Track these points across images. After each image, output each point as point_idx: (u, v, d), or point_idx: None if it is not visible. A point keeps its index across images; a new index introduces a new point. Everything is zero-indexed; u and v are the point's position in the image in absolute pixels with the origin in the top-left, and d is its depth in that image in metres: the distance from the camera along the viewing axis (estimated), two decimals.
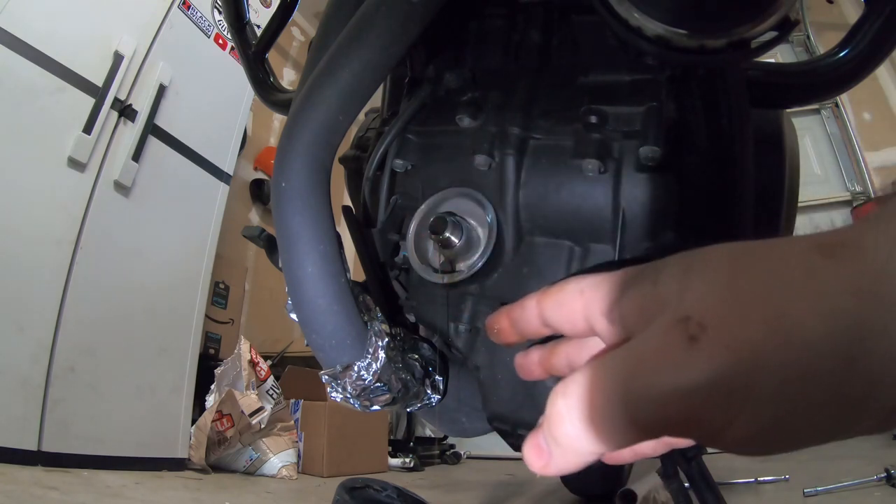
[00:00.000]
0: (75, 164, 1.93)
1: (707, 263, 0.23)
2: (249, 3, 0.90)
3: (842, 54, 0.56)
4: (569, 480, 1.82)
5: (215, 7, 2.48)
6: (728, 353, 0.20)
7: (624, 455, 0.33)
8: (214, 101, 2.51)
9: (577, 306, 0.29)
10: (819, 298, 0.20)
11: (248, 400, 2.20)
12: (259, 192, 3.69)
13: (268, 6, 2.59)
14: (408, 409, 0.59)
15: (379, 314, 0.55)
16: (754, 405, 0.20)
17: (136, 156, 2.11)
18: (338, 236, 0.52)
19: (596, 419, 0.22)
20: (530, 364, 0.37)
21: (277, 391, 2.36)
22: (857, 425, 0.21)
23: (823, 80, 0.59)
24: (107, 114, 2.01)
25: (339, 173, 0.69)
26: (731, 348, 0.20)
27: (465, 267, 0.58)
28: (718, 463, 1.92)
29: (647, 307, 0.25)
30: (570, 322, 0.30)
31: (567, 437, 0.23)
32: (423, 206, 0.62)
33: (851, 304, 0.20)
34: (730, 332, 0.21)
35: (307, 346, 0.52)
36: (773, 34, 0.46)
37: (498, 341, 0.35)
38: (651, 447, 0.31)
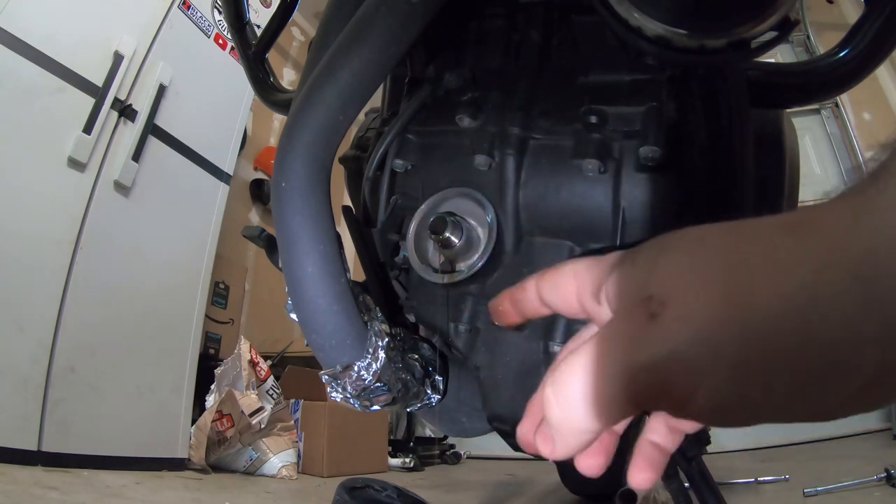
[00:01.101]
0: (75, 164, 1.93)
1: (678, 244, 0.24)
2: (249, 3, 0.90)
3: (842, 54, 0.56)
4: (569, 480, 1.82)
5: (215, 7, 2.48)
6: (685, 328, 0.21)
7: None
8: (214, 101, 2.51)
9: (571, 288, 0.31)
10: (778, 273, 0.20)
11: (248, 400, 2.20)
12: (259, 192, 3.69)
13: (268, 6, 2.59)
14: (408, 409, 0.60)
15: (379, 314, 0.55)
16: (715, 376, 0.21)
17: (136, 156, 2.11)
18: (338, 236, 0.52)
19: (577, 400, 0.24)
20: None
21: (277, 391, 2.36)
22: (820, 402, 0.21)
23: (823, 80, 0.59)
24: (107, 114, 2.01)
25: (339, 173, 0.69)
26: (689, 323, 0.21)
27: (465, 267, 0.58)
28: (718, 463, 1.92)
29: (625, 288, 0.26)
30: (565, 302, 0.31)
31: (558, 420, 0.25)
32: (423, 206, 0.62)
33: (809, 278, 0.20)
34: (687, 308, 0.22)
35: (307, 346, 0.52)
36: (773, 34, 0.46)
37: (500, 322, 0.35)
38: (662, 438, 0.32)
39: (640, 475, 0.31)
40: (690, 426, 0.32)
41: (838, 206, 0.21)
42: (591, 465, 0.30)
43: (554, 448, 0.26)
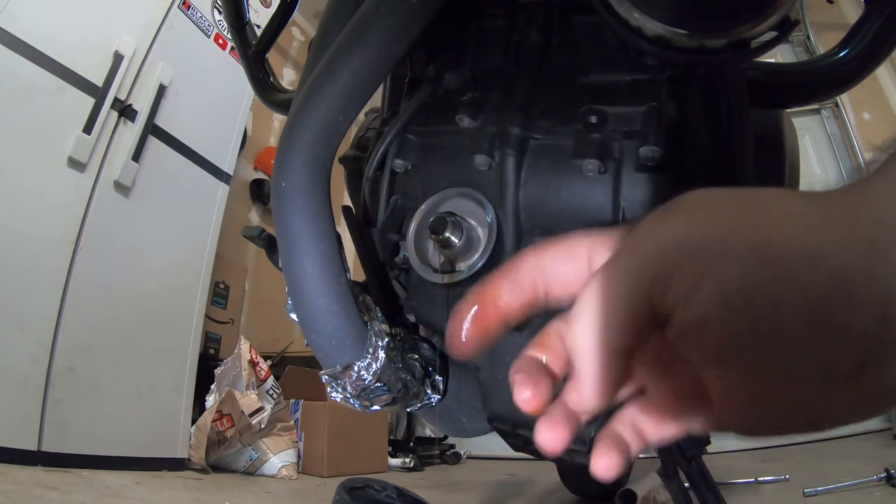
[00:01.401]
0: (75, 164, 1.93)
1: (688, 196, 0.25)
2: (249, 3, 0.90)
3: (842, 54, 0.56)
4: (569, 480, 1.82)
5: (215, 7, 2.48)
6: (699, 218, 0.22)
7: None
8: (214, 101, 2.51)
9: (583, 248, 0.29)
10: (792, 208, 0.22)
11: (248, 400, 2.20)
12: (259, 192, 3.69)
13: (268, 6, 2.59)
14: (408, 409, 0.60)
15: (379, 314, 0.55)
16: (721, 272, 0.21)
17: (136, 156, 2.11)
18: (338, 236, 0.52)
19: (596, 308, 0.24)
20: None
21: (277, 391, 2.36)
22: (822, 364, 0.21)
23: (823, 80, 0.59)
24: (107, 114, 2.01)
25: (339, 173, 0.69)
26: (703, 215, 0.22)
27: (465, 267, 0.58)
28: (718, 463, 1.92)
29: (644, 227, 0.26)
30: (575, 265, 0.29)
31: (580, 336, 0.24)
32: (423, 206, 0.62)
33: (815, 221, 0.21)
34: (700, 211, 0.23)
35: (307, 346, 0.52)
36: (773, 34, 0.46)
37: (470, 337, 0.29)
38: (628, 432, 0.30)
39: (603, 460, 0.28)
40: (655, 427, 0.30)
41: (841, 189, 0.22)
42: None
43: (580, 386, 0.25)
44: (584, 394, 0.25)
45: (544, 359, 0.30)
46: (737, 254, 0.21)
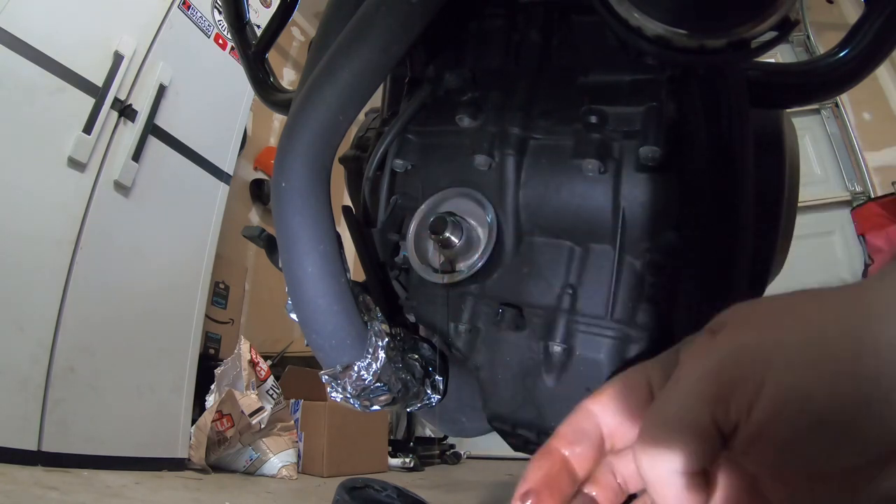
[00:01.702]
0: (75, 164, 1.93)
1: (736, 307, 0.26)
2: (249, 3, 0.90)
3: (842, 54, 0.56)
4: None
5: (215, 7, 2.48)
6: (744, 334, 0.24)
7: None
8: (214, 101, 2.51)
9: (642, 378, 0.29)
10: (832, 308, 0.23)
11: (248, 400, 2.20)
12: (259, 192, 3.69)
13: (268, 6, 2.59)
14: (408, 409, 0.60)
15: (379, 314, 0.55)
16: (777, 374, 0.22)
17: (136, 156, 2.11)
18: (338, 236, 0.52)
19: (663, 431, 0.24)
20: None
21: (277, 391, 2.36)
22: (850, 443, 0.22)
23: (823, 80, 0.59)
24: (107, 114, 2.01)
25: (339, 173, 0.69)
26: (746, 332, 0.24)
27: (465, 267, 0.58)
28: None
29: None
30: (635, 400, 0.29)
31: (649, 463, 0.24)
32: (423, 206, 0.62)
33: (858, 318, 0.22)
34: (746, 324, 0.24)
35: (307, 346, 0.52)
36: (773, 34, 0.46)
37: None
38: None
39: None
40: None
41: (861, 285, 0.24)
42: None
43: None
44: None
45: (594, 493, 0.29)
46: (791, 353, 0.22)
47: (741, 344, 0.23)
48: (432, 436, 3.34)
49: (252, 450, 2.26)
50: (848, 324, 0.22)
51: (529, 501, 0.27)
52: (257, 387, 2.29)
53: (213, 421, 2.13)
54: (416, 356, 0.58)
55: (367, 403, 0.55)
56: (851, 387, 0.21)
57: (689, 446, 0.24)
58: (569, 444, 0.28)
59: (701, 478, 0.24)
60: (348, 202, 0.74)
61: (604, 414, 0.29)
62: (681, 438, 0.24)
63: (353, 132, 0.75)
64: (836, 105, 3.43)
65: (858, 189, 3.35)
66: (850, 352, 0.21)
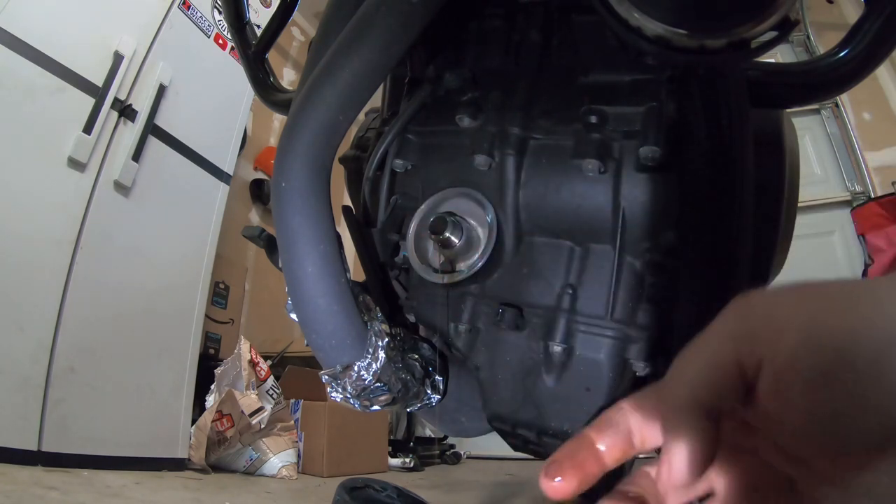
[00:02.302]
0: (75, 164, 1.93)
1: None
2: (249, 3, 0.90)
3: (842, 54, 0.56)
4: None
5: (215, 7, 2.48)
6: (774, 297, 0.25)
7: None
8: (214, 101, 2.51)
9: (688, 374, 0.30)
10: (851, 308, 0.23)
11: (248, 400, 2.20)
12: (259, 192, 3.69)
13: (268, 6, 2.59)
14: (408, 409, 0.60)
15: (379, 314, 0.55)
16: (800, 318, 0.23)
17: (136, 156, 2.11)
18: (338, 236, 0.52)
19: (688, 365, 0.26)
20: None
21: (277, 391, 2.36)
22: (854, 421, 0.22)
23: (823, 80, 0.59)
24: (107, 114, 2.01)
25: (339, 173, 0.69)
26: (763, 295, 0.25)
27: (465, 267, 0.58)
28: None
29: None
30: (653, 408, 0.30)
31: (672, 393, 0.26)
32: (423, 206, 0.62)
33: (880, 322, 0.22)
34: (762, 292, 0.25)
35: (307, 346, 0.52)
36: (773, 34, 0.46)
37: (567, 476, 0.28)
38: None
39: None
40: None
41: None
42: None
43: (672, 459, 0.25)
44: (676, 466, 0.25)
45: (629, 489, 0.30)
46: (812, 303, 0.23)
47: (761, 298, 0.25)
48: (432, 436, 3.33)
49: (252, 450, 2.26)
50: (865, 287, 0.23)
51: (552, 469, 0.28)
52: (257, 387, 2.29)
53: (213, 421, 2.13)
54: (416, 356, 0.58)
55: (367, 403, 0.55)
56: (872, 337, 0.21)
57: (709, 379, 0.24)
58: (598, 432, 0.29)
59: (715, 422, 0.25)
60: (348, 202, 0.74)
61: (635, 410, 0.29)
62: (702, 371, 0.25)
63: (353, 132, 0.75)
64: (836, 105, 3.43)
65: (858, 189, 3.35)
66: (871, 307, 0.22)
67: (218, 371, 2.32)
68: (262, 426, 2.21)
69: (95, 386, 1.93)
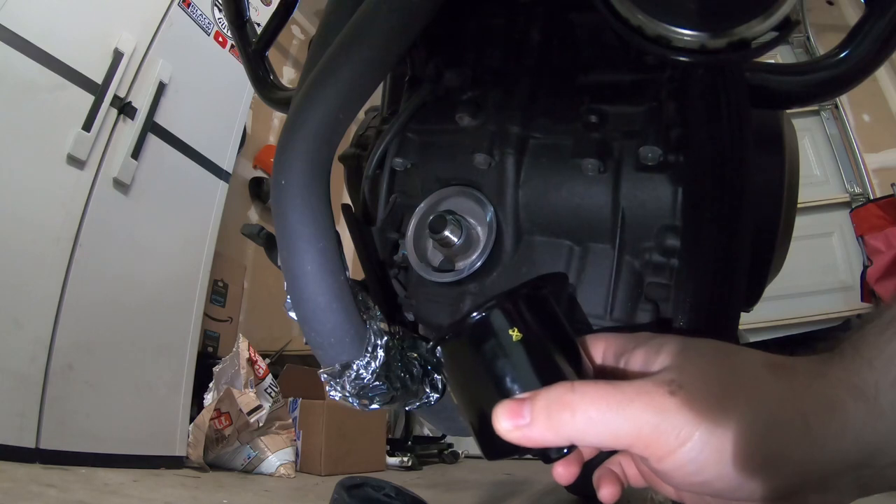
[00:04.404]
0: (74, 162, 1.93)
1: (696, 352, 0.34)
2: (249, 1, 0.90)
3: (842, 55, 0.56)
4: None
5: (215, 5, 2.48)
6: (691, 403, 0.31)
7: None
8: (214, 98, 2.51)
9: (600, 346, 0.41)
10: (758, 398, 0.31)
11: (247, 398, 2.20)
12: (258, 190, 3.69)
13: (268, 4, 2.59)
14: (406, 408, 0.59)
15: (378, 313, 0.55)
16: (701, 434, 0.30)
17: (136, 153, 2.11)
18: (337, 234, 0.52)
19: (595, 412, 0.32)
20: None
21: (276, 389, 2.36)
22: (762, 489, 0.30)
23: (823, 81, 0.59)
24: (106, 111, 2.00)
25: (338, 172, 0.69)
26: (693, 402, 0.31)
27: (464, 266, 0.58)
28: None
29: (649, 362, 0.36)
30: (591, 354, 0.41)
31: (580, 423, 0.32)
32: (422, 205, 0.62)
33: (775, 408, 0.31)
34: (696, 395, 0.31)
35: (306, 344, 0.52)
36: (773, 34, 0.46)
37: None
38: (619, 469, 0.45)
39: (607, 489, 0.42)
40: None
41: (807, 360, 0.33)
42: (565, 473, 0.41)
43: (560, 430, 0.33)
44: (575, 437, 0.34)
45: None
46: (705, 434, 0.30)
47: (688, 406, 0.31)
48: (430, 435, 3.34)
49: (250, 448, 2.26)
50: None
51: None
52: (255, 385, 2.29)
53: (211, 419, 2.13)
54: (416, 355, 0.58)
55: (365, 402, 0.55)
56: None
57: (607, 433, 0.32)
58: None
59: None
60: (348, 200, 0.74)
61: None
62: (606, 424, 0.32)
63: (352, 130, 0.75)
64: (836, 106, 3.43)
65: (858, 190, 3.35)
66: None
67: (216, 369, 2.32)
68: (261, 424, 2.22)
69: (94, 383, 1.92)
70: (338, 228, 0.52)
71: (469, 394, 0.39)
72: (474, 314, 0.37)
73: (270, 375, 2.36)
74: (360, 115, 0.60)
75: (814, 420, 0.30)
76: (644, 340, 0.38)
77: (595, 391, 0.32)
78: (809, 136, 3.51)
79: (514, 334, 0.36)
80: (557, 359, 0.37)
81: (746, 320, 0.67)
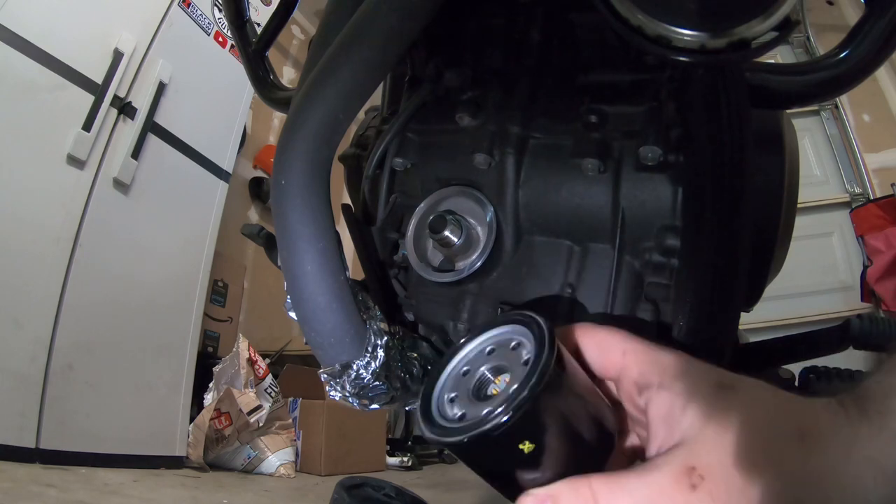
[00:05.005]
0: (74, 162, 1.93)
1: (720, 426, 0.32)
2: (249, 1, 0.90)
3: (842, 55, 0.56)
4: None
5: (215, 5, 2.48)
6: (712, 498, 0.30)
7: None
8: (214, 98, 2.51)
9: (616, 361, 0.37)
10: (783, 480, 0.30)
11: (247, 398, 2.20)
12: (258, 190, 3.69)
13: (268, 4, 2.59)
14: (406, 408, 0.59)
15: (378, 313, 0.55)
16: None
17: (136, 153, 2.11)
18: (337, 234, 0.52)
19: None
20: None
21: (276, 389, 2.36)
22: None
23: (823, 81, 0.59)
24: (106, 111, 2.01)
25: (338, 171, 0.69)
26: (715, 497, 0.30)
27: (464, 266, 0.58)
28: None
29: (673, 418, 0.34)
30: (601, 367, 0.38)
31: None
32: (422, 205, 0.62)
33: (799, 491, 0.30)
34: (719, 487, 0.30)
35: (306, 344, 0.52)
36: (773, 34, 0.46)
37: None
38: None
39: None
40: None
41: (838, 432, 0.31)
42: None
43: None
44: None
45: None
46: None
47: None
48: None
49: (250, 448, 2.26)
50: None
51: None
52: (255, 385, 2.29)
53: (211, 419, 2.13)
54: (416, 355, 0.58)
55: (365, 402, 0.55)
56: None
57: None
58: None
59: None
60: (348, 200, 0.74)
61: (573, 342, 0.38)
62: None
63: (352, 130, 0.75)
64: (836, 106, 3.43)
65: (857, 190, 3.35)
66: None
67: (216, 369, 2.32)
68: (261, 424, 2.22)
69: (94, 383, 1.92)
70: (338, 228, 0.52)
71: (486, 479, 0.36)
72: (475, 431, 0.31)
73: (270, 375, 2.36)
74: (360, 115, 0.60)
75: (835, 499, 0.30)
76: (669, 380, 0.35)
77: (612, 494, 0.32)
78: (809, 136, 3.51)
79: (526, 447, 0.32)
80: (576, 446, 0.34)
81: (746, 320, 0.67)
